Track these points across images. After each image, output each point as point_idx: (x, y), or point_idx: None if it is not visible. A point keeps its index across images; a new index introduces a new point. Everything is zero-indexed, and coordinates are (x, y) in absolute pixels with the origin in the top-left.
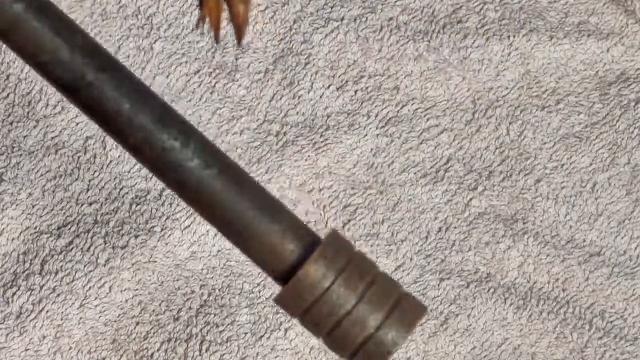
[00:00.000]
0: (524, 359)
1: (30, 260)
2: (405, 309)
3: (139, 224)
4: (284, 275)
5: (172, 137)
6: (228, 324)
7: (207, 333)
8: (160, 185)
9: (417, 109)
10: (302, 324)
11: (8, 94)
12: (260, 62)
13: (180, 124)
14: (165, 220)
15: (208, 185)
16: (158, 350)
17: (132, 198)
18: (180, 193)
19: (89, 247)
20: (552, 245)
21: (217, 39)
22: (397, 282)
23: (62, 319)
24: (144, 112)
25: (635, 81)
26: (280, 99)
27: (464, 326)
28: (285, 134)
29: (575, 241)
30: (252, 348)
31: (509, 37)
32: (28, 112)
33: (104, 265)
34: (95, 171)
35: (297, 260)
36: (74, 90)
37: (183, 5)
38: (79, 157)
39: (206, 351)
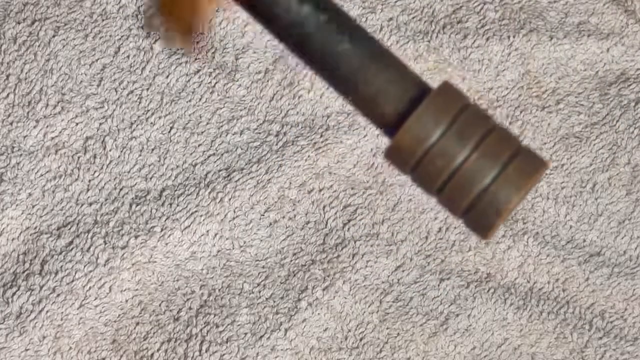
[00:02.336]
0: (524, 359)
1: (30, 260)
2: (522, 164)
3: (139, 224)
4: (393, 126)
5: None
6: (228, 324)
7: (207, 333)
8: (160, 185)
9: None
10: (413, 180)
11: (8, 94)
12: (260, 62)
13: None
14: (165, 221)
15: (315, 31)
16: (158, 350)
17: (132, 198)
18: (287, 40)
19: (89, 247)
20: (552, 245)
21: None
22: (516, 135)
23: (62, 319)
24: None
25: (635, 81)
26: (281, 99)
27: (464, 326)
28: (285, 134)
29: (575, 241)
30: (252, 348)
31: (509, 37)
32: (28, 113)
33: (104, 265)
34: (95, 171)
35: (406, 110)
36: None
37: None
38: (79, 158)
39: (206, 351)
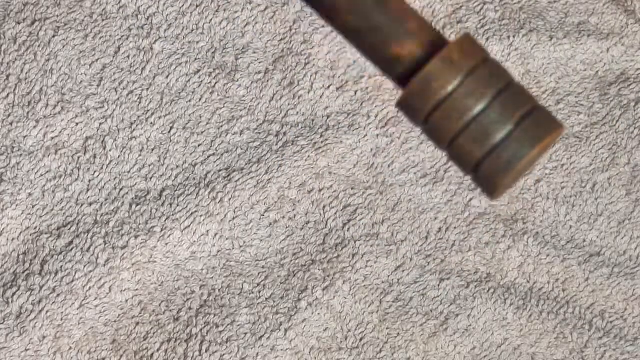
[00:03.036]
0: (523, 359)
1: (30, 260)
2: (536, 122)
3: (139, 224)
4: (407, 75)
5: None
6: (228, 324)
7: (207, 333)
8: (160, 185)
9: None
10: (425, 132)
11: (8, 94)
12: (260, 62)
13: None
14: (165, 221)
15: None
16: (158, 350)
17: (132, 198)
18: None
19: (89, 248)
20: (552, 245)
21: None
22: (532, 94)
23: (62, 319)
24: None
25: (636, 81)
26: (280, 99)
27: (464, 326)
28: (285, 134)
29: (575, 241)
30: (252, 348)
31: (509, 37)
32: (28, 113)
33: (104, 265)
34: (95, 171)
35: (422, 60)
36: None
37: (183, 5)
38: (78, 158)
39: (206, 351)
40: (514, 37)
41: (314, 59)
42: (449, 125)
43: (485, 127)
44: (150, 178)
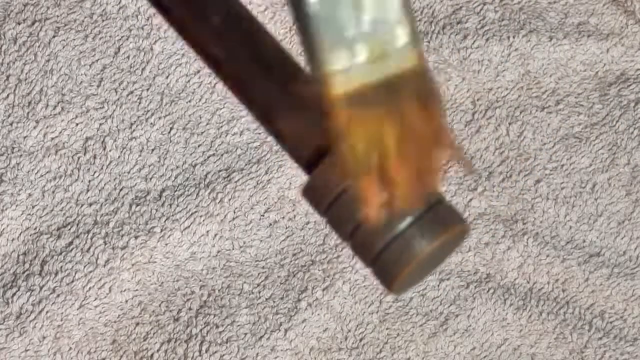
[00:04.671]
0: (523, 359)
1: (30, 260)
2: (439, 215)
3: (139, 224)
4: (312, 163)
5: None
6: (228, 325)
7: (207, 333)
8: (160, 185)
9: None
10: (327, 222)
11: (8, 95)
12: None
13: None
14: (165, 221)
15: (233, 62)
16: (158, 350)
17: (132, 199)
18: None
19: (89, 248)
20: (552, 245)
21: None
22: (439, 190)
23: (62, 320)
24: None
25: (635, 82)
26: None
27: (464, 327)
28: None
29: (575, 242)
30: (251, 348)
31: (508, 37)
32: (28, 113)
33: (104, 265)
34: (95, 172)
35: (325, 147)
36: None
37: None
38: (78, 158)
39: (206, 352)
40: (513, 37)
41: None
42: (350, 218)
43: (385, 219)
44: (150, 178)
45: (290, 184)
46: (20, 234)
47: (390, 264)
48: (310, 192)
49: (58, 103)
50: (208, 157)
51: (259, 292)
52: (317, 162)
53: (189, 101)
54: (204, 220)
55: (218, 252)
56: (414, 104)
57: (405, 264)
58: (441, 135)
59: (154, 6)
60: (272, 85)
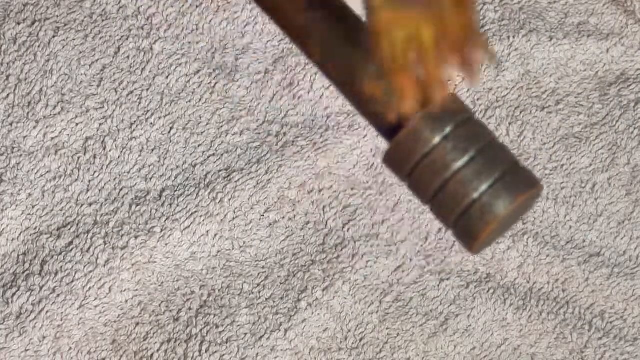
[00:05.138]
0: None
1: (30, 260)
2: (515, 179)
3: (139, 224)
4: (393, 130)
5: None
6: (228, 325)
7: (206, 333)
8: (160, 185)
9: None
10: (409, 187)
11: (8, 95)
12: (260, 63)
13: None
14: (165, 221)
15: (323, 32)
16: (158, 350)
17: (132, 199)
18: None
19: (89, 248)
20: (552, 245)
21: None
22: (513, 153)
23: (62, 320)
24: None
25: (635, 82)
26: (280, 99)
27: (464, 326)
28: (285, 134)
29: (575, 242)
30: (251, 348)
31: (508, 37)
32: (28, 113)
33: (104, 265)
34: (95, 172)
35: (406, 115)
36: None
37: (183, 6)
38: (78, 158)
39: (206, 352)
40: (513, 37)
41: None
42: (430, 182)
43: (465, 184)
44: (150, 178)
45: (290, 184)
46: (20, 234)
47: (471, 225)
48: (391, 158)
49: (58, 103)
50: (208, 157)
51: (259, 292)
52: (398, 129)
53: (189, 101)
54: (204, 220)
55: (218, 252)
56: (449, 2)
57: (486, 225)
58: (473, 32)
59: None
60: (357, 50)
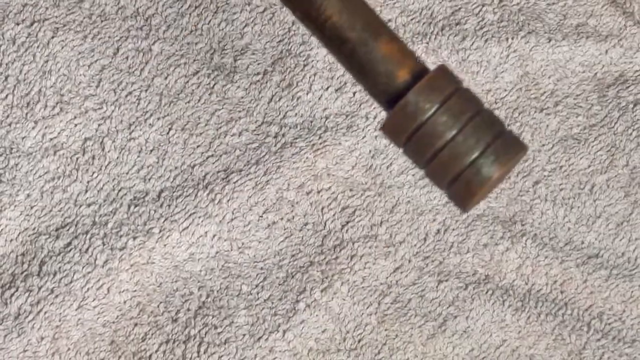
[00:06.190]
0: None
1: (29, 261)
2: (505, 144)
3: (137, 225)
4: (392, 101)
5: None
6: (226, 326)
7: (205, 334)
8: (158, 186)
9: None
10: (405, 153)
11: (7, 95)
12: (258, 64)
13: None
14: (163, 222)
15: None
16: (156, 351)
17: (131, 199)
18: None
19: (87, 249)
20: (551, 247)
21: None
22: (502, 120)
23: (60, 320)
24: None
25: (634, 83)
26: (279, 100)
27: (463, 328)
28: (283, 135)
29: (573, 243)
30: (250, 349)
31: (507, 39)
32: (26, 114)
33: (102, 266)
34: (93, 172)
35: (404, 88)
36: None
37: (182, 6)
38: (77, 159)
39: (204, 352)
40: (512, 38)
41: (312, 61)
42: (426, 148)
43: (458, 149)
44: (149, 179)
45: (289, 185)
46: (18, 235)
47: (464, 188)
48: (389, 127)
49: (57, 104)
50: (207, 157)
51: (258, 293)
52: (396, 100)
53: (188, 102)
54: (202, 221)
55: (216, 253)
56: None
57: (478, 188)
58: None
59: None
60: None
